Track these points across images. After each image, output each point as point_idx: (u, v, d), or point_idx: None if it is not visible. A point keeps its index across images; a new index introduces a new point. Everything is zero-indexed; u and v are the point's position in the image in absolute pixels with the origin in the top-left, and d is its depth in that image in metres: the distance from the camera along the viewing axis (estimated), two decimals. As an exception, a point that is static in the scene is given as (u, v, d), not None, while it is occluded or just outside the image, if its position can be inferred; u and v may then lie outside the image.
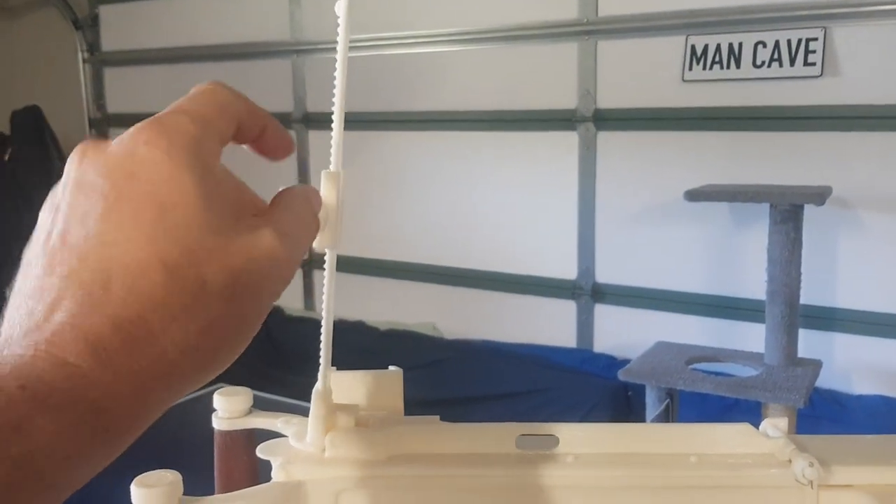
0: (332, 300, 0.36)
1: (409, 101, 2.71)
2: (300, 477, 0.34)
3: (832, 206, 2.07)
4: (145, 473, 0.34)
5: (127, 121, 3.36)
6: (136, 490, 0.33)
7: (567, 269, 2.51)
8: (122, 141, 0.28)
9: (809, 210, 1.84)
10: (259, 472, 0.41)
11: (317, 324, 0.37)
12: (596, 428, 0.35)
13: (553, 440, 0.34)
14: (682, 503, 0.32)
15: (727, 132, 2.25)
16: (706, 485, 0.33)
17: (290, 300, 2.99)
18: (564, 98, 2.45)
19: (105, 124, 3.48)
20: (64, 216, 0.28)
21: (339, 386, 0.38)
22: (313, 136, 2.92)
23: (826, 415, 2.06)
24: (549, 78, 2.48)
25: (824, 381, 2.15)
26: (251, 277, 0.28)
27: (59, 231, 0.27)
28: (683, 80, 2.27)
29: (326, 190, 0.34)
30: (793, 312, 1.80)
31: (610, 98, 2.41)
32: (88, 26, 3.45)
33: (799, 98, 2.13)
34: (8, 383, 0.24)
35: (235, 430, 0.42)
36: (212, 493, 0.39)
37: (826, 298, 2.15)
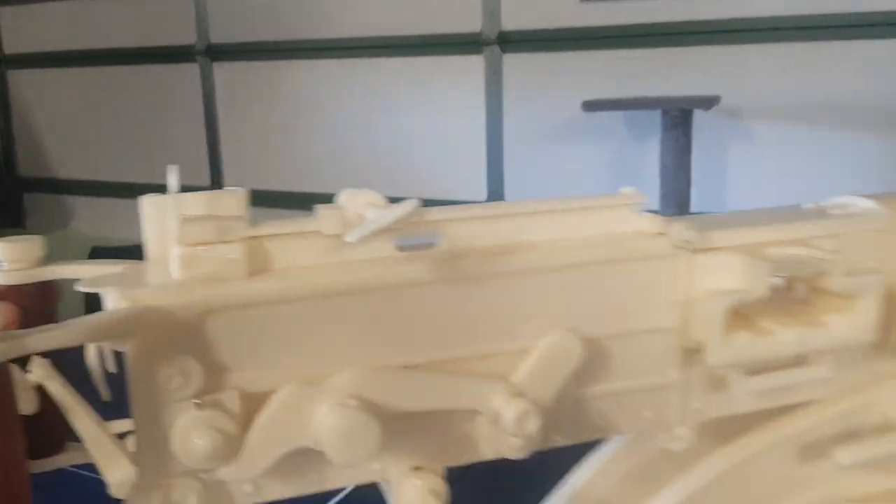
0: None
1: (311, 28, 2.68)
2: (149, 302, 0.27)
3: (724, 116, 2.15)
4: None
5: (26, 61, 3.25)
6: None
7: (477, 192, 2.55)
8: None
9: (704, 121, 1.91)
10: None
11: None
12: (477, 224, 0.32)
13: (435, 237, 0.33)
14: (560, 282, 0.32)
15: (625, 49, 2.30)
16: (584, 261, 0.32)
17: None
18: (469, 21, 2.47)
19: (2, 66, 3.35)
20: None
21: (176, 209, 0.31)
22: (217, 68, 2.86)
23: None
24: (453, 1, 2.49)
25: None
26: None
27: None
28: (581, 1, 2.31)
29: None
30: (683, 214, 1.87)
31: (514, 20, 2.43)
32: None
33: (689, 13, 2.19)
34: None
35: (27, 284, 0.36)
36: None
37: (718, 205, 2.24)
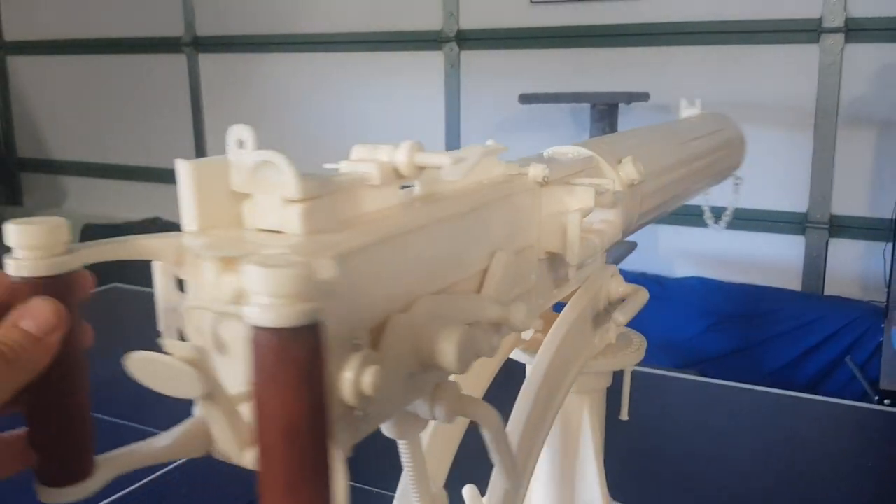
0: None
1: (288, 24, 2.91)
2: (328, 255, 0.26)
3: (655, 110, 2.38)
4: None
5: (25, 48, 3.47)
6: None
7: (436, 177, 2.77)
8: None
9: (639, 114, 2.13)
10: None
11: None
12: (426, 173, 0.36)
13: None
14: (485, 215, 0.37)
15: (569, 48, 2.53)
16: (496, 197, 0.38)
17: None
18: (430, 20, 2.69)
19: (2, 52, 3.57)
20: None
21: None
22: (203, 59, 3.09)
23: (650, 294, 2.38)
24: (417, 1, 2.72)
25: (651, 267, 2.48)
26: None
27: None
28: (531, 2, 2.53)
29: None
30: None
31: (471, 19, 2.66)
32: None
33: (628, 17, 2.41)
34: None
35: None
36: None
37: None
